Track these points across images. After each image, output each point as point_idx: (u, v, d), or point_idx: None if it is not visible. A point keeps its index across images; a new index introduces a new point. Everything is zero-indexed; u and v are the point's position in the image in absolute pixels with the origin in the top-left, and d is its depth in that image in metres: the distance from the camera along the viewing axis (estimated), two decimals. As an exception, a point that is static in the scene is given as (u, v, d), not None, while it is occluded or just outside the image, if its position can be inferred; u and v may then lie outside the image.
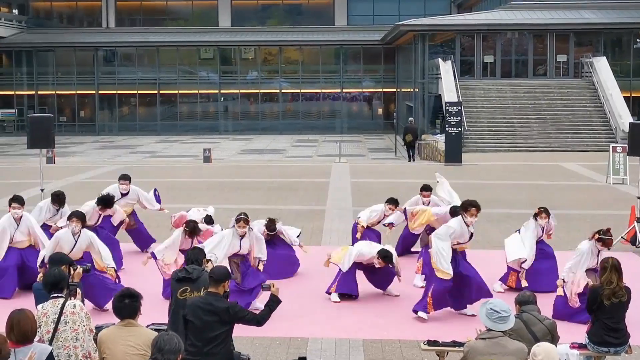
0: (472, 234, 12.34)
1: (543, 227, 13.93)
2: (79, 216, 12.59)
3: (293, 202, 23.31)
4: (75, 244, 12.32)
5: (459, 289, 12.20)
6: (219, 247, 12.31)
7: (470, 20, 47.65)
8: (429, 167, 32.74)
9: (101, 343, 7.29)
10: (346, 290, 13.13)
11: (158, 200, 17.20)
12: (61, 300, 7.55)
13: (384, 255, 12.91)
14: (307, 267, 14.90)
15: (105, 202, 15.12)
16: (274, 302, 8.20)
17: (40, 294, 8.58)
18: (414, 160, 38.10)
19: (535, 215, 13.93)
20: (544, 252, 13.91)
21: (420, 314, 11.99)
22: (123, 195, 16.54)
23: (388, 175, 29.84)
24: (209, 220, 15.22)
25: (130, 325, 7.27)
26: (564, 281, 11.88)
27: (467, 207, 12.07)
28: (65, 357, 7.34)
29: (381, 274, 13.36)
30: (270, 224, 14.58)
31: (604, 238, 11.55)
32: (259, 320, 8.08)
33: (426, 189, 15.93)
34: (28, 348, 6.68)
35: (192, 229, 13.18)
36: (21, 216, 13.82)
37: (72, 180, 28.66)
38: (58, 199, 14.93)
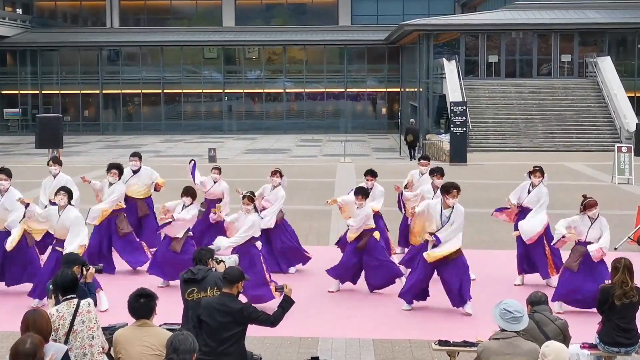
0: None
1: (532, 184, 13.79)
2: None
3: (299, 201, 23.32)
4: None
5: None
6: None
7: (475, 20, 47.65)
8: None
9: (117, 343, 7.34)
10: (336, 276, 13.46)
11: (193, 174, 16.31)
12: (75, 301, 7.54)
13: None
14: (316, 267, 14.92)
15: (114, 166, 15.10)
16: (287, 303, 8.23)
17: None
18: (414, 159, 38.22)
19: (530, 174, 13.80)
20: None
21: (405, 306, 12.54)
22: (134, 172, 16.27)
23: (393, 175, 29.70)
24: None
25: (145, 326, 7.32)
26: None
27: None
28: (81, 357, 7.36)
29: (381, 271, 13.44)
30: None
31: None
32: (273, 321, 8.13)
33: (371, 173, 15.25)
34: (44, 348, 6.71)
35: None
36: (8, 189, 13.00)
37: (77, 180, 28.63)
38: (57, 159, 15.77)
